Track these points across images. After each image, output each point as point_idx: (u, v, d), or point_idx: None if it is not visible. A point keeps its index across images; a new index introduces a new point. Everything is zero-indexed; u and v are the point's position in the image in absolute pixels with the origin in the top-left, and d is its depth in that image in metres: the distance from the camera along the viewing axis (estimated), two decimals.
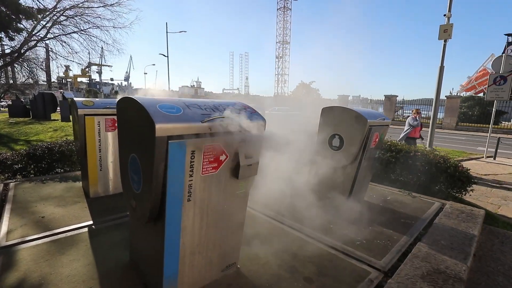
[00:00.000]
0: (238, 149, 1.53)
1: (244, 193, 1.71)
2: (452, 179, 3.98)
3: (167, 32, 24.16)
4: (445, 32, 10.40)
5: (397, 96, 24.74)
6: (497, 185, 6.24)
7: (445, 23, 10.47)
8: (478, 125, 19.31)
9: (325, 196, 3.17)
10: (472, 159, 9.97)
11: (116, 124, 3.17)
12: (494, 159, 9.84)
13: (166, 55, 24.51)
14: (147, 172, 1.31)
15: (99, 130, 3.14)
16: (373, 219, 2.95)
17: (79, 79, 60.41)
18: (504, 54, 9.69)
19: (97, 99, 3.29)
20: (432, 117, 11.50)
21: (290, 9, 56.68)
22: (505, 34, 34.10)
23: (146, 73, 49.57)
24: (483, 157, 10.23)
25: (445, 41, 10.68)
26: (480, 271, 2.43)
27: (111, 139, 3.24)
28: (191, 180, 1.38)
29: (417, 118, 7.49)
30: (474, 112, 20.03)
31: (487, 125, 19.12)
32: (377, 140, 3.16)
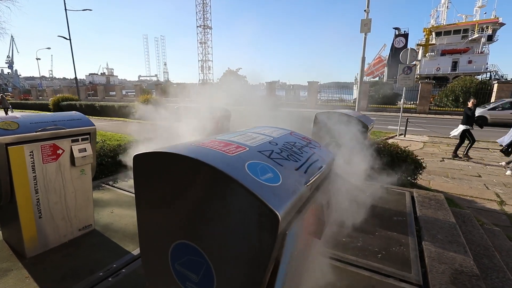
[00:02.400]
0: (323, 201, 1.16)
1: None
2: (410, 167, 4.44)
3: (65, 9, 19.64)
4: (365, 26, 11.58)
5: (319, 82, 26.97)
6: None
7: (365, 18, 11.67)
8: (383, 106, 22.87)
9: None
10: (389, 138, 11.65)
11: (58, 152, 2.27)
12: (405, 136, 11.79)
13: (68, 38, 20.09)
14: (238, 275, 0.83)
15: (33, 163, 2.17)
16: (372, 221, 3.00)
17: None
18: (409, 48, 11.43)
19: (19, 115, 2.25)
20: (357, 100, 12.94)
21: None
22: (393, 28, 40.95)
23: (39, 59, 40.10)
24: (396, 135, 12.13)
25: (365, 34, 11.94)
26: None
27: (53, 172, 2.30)
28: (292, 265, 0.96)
29: None
30: (379, 95, 23.57)
31: (389, 106, 22.93)
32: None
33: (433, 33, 38.33)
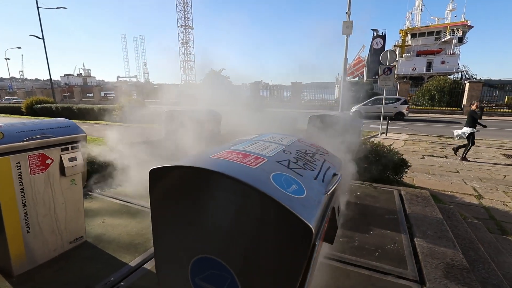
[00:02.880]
0: (335, 207, 1.18)
1: None
2: (396, 166, 4.61)
3: (37, 6, 18.62)
4: (347, 28, 11.88)
5: (302, 82, 27.38)
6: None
7: (347, 20, 11.97)
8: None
9: None
10: (372, 137, 12.04)
11: (47, 162, 2.17)
12: (386, 135, 12.22)
13: (41, 37, 19.04)
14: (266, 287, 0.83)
15: (20, 174, 2.04)
16: (366, 220, 3.08)
17: None
18: (389, 49, 11.86)
19: (2, 124, 2.12)
20: (341, 100, 13.25)
21: None
22: (372, 29, 42.33)
23: (8, 59, 37.72)
24: (378, 134, 12.54)
25: (347, 35, 12.25)
26: None
27: (41, 184, 2.18)
28: None
29: None
30: (360, 95, 24.24)
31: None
32: None
33: (409, 35, 40.00)
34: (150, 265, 2.28)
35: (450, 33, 36.62)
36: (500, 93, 22.81)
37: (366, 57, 43.13)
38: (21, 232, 2.14)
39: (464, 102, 19.57)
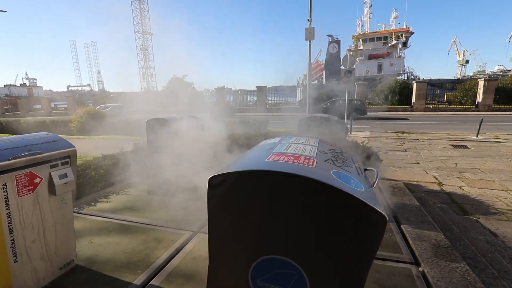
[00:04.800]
0: None
1: None
2: (369, 159, 4.98)
3: None
4: (310, 34, 12.51)
5: (266, 86, 27.97)
6: None
7: (309, 27, 12.59)
8: None
9: None
10: None
11: (35, 181, 1.99)
12: (350, 133, 13.04)
13: None
14: (335, 278, 0.88)
15: (7, 197, 1.83)
16: None
17: None
18: (348, 54, 12.74)
19: None
20: (308, 102, 13.85)
21: None
22: (327, 35, 44.85)
23: None
24: None
25: (309, 41, 12.87)
26: None
27: (30, 206, 1.97)
28: None
29: None
30: (323, 96, 25.48)
31: None
32: None
33: (360, 40, 43.21)
34: (157, 281, 2.19)
35: (396, 38, 40.42)
36: (440, 91, 25.75)
37: (324, 61, 45.47)
38: (8, 263, 1.91)
39: (413, 100, 21.69)
